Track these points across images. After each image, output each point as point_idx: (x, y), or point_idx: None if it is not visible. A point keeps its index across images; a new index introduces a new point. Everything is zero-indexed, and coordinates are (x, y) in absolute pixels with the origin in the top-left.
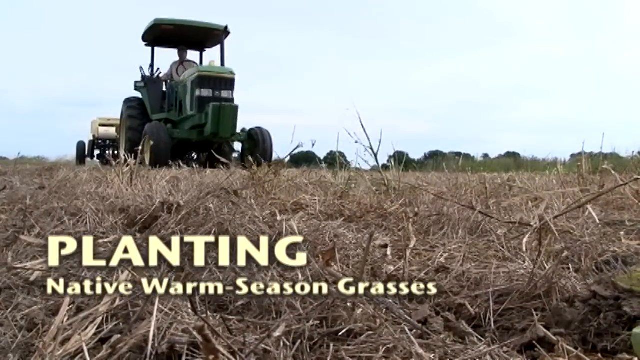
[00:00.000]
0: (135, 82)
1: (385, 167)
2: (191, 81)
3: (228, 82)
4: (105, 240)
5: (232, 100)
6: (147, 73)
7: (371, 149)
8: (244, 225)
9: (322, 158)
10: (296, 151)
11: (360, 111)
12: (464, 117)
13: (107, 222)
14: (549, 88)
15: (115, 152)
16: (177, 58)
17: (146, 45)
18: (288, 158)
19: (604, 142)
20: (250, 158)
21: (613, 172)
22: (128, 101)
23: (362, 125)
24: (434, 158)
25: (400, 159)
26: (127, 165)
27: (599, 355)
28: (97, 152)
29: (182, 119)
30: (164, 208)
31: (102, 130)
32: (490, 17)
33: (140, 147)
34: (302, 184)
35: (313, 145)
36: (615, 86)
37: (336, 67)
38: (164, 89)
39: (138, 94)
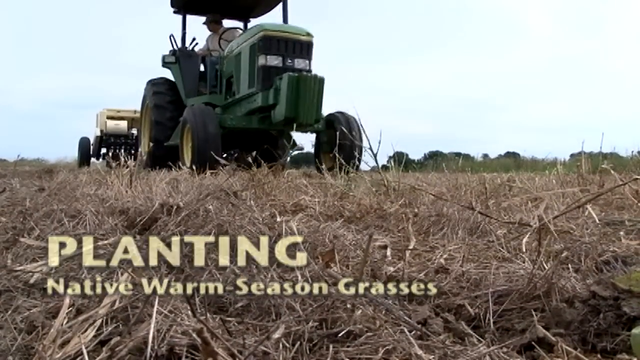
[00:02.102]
0: (164, 57)
1: (385, 168)
2: (250, 46)
3: (304, 47)
4: (105, 242)
5: (309, 72)
6: (180, 45)
7: (370, 149)
8: (243, 227)
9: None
10: (295, 152)
11: (360, 112)
12: (463, 117)
13: (106, 224)
14: (549, 88)
15: (132, 152)
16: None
17: (175, 12)
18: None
19: (603, 141)
20: (325, 155)
21: (613, 172)
22: (154, 84)
23: (361, 125)
24: (434, 158)
25: (400, 160)
26: (127, 167)
27: (599, 355)
28: (103, 150)
29: (234, 102)
30: (164, 210)
31: (110, 124)
32: (491, 19)
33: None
34: (302, 185)
35: (313, 146)
36: (615, 86)
37: (336, 68)
38: (201, 68)
39: (166, 75)
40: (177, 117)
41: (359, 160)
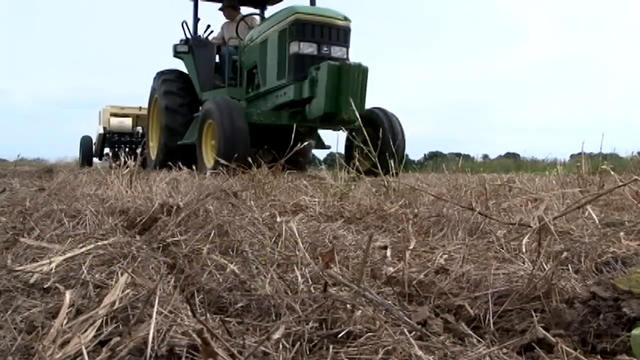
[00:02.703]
0: (175, 47)
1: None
2: (279, 32)
3: (341, 33)
4: (105, 242)
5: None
6: (192, 33)
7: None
8: (243, 227)
9: (321, 159)
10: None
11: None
12: (463, 117)
13: (106, 224)
14: (548, 89)
15: (139, 151)
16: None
17: None
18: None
19: (603, 142)
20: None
21: (612, 172)
22: (165, 81)
23: (361, 126)
24: (434, 159)
25: (400, 160)
26: (127, 167)
27: (599, 356)
28: (106, 150)
29: (258, 96)
30: (164, 210)
31: (114, 121)
32: (491, 19)
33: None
34: (302, 186)
35: (312, 146)
36: (615, 87)
37: None
38: (216, 60)
39: (177, 66)
40: (191, 120)
41: (401, 164)
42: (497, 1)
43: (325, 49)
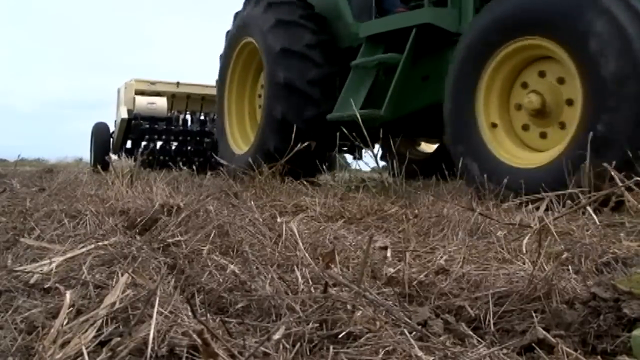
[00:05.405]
0: None
1: (386, 169)
2: None
3: None
4: (106, 242)
5: None
6: None
7: (371, 150)
8: (243, 227)
9: None
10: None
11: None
12: None
13: (107, 225)
14: None
15: (186, 147)
16: None
17: None
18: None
19: None
20: None
21: (613, 173)
22: (280, 20)
23: (362, 126)
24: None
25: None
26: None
27: (599, 357)
28: (128, 143)
29: None
30: (164, 210)
31: (141, 102)
32: None
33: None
34: (302, 186)
35: (312, 147)
36: None
37: None
38: None
39: None
40: (326, 112)
41: None
42: None
43: None
